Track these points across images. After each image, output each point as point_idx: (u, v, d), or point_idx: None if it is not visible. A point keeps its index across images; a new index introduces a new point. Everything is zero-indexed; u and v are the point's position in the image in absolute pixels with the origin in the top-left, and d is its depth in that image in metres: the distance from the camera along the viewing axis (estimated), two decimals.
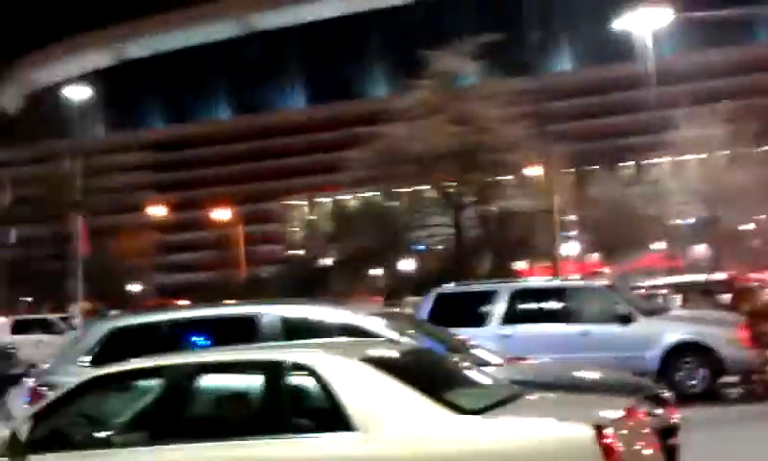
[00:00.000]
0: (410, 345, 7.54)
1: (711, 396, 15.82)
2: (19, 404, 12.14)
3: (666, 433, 8.11)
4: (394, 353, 6.84)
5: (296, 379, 6.30)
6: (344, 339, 7.99)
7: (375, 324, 9.22)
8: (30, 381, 10.12)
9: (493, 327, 16.39)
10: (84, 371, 8.56)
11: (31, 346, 28.25)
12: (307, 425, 6.15)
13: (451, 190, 43.91)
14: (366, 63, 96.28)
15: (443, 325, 12.86)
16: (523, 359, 11.00)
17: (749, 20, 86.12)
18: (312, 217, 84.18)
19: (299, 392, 6.31)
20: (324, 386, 6.13)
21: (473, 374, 7.35)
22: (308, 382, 6.25)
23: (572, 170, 56.04)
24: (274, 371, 6.35)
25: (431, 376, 6.66)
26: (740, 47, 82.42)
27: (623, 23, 50.01)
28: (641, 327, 16.12)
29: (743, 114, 54.14)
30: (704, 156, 55.61)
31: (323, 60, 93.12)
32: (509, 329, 16.27)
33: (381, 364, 6.36)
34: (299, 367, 6.31)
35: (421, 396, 6.03)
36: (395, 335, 8.52)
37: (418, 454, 5.78)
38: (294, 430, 6.10)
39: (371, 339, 8.16)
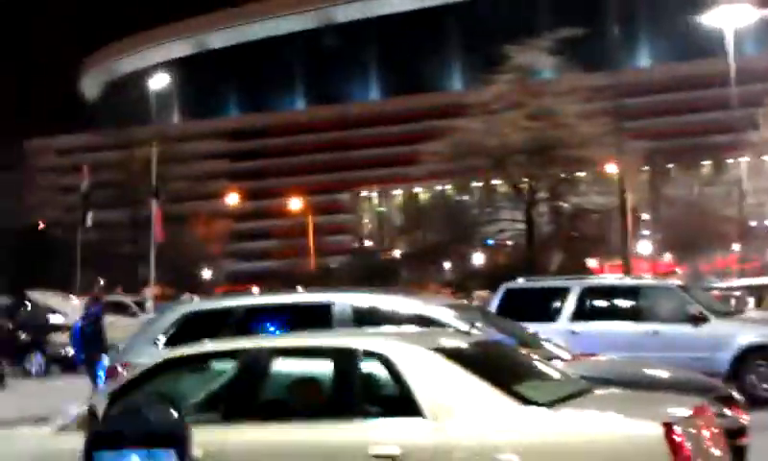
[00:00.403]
0: (480, 336, 7.59)
1: None
2: None
3: (735, 434, 8.07)
4: (464, 344, 6.91)
5: (368, 366, 6.41)
6: (415, 328, 8.09)
7: (446, 315, 9.30)
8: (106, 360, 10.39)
9: (563, 323, 16.31)
10: (159, 352, 8.79)
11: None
12: (378, 411, 6.26)
13: (524, 185, 43.69)
14: (442, 57, 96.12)
15: (511, 319, 12.89)
16: (593, 356, 10.98)
17: None
18: (383, 209, 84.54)
19: (370, 378, 6.42)
20: (396, 373, 6.23)
21: (543, 367, 7.39)
22: (380, 369, 6.35)
23: (648, 168, 55.32)
24: (347, 357, 6.47)
25: (500, 367, 6.72)
26: None
27: (705, 19, 49.31)
28: (713, 328, 15.92)
29: None
30: None
31: (399, 52, 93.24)
32: (578, 326, 16.19)
33: (451, 354, 6.44)
34: (371, 354, 6.42)
35: (490, 386, 6.10)
36: (465, 326, 8.59)
37: (485, 443, 5.84)
38: (364, 415, 6.21)
39: (441, 329, 8.24)
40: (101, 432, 5.18)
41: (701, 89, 77.57)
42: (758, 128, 54.01)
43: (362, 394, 6.38)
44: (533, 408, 6.00)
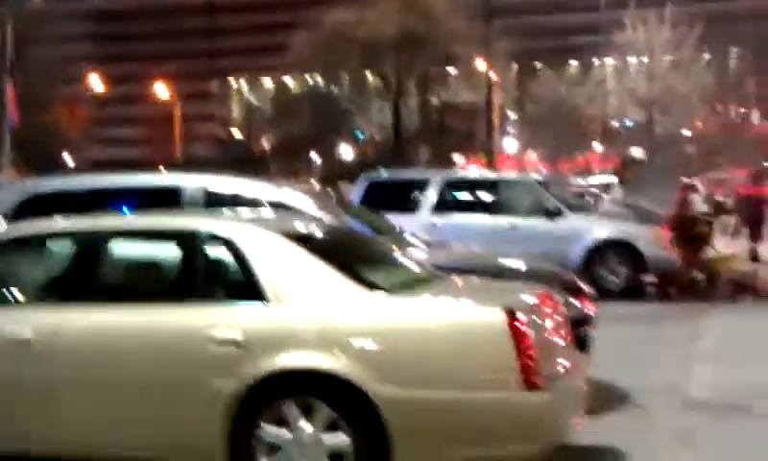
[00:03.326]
0: (332, 222, 7.51)
1: (633, 293, 16.15)
2: None
3: (580, 323, 8.25)
4: (313, 229, 6.81)
5: (212, 249, 6.25)
6: (265, 212, 7.92)
7: (302, 201, 9.16)
8: None
9: (424, 215, 16.45)
10: None
11: None
12: (221, 295, 6.14)
13: (393, 79, 43.63)
14: None
15: (373, 210, 12.87)
16: (448, 245, 11.05)
17: None
18: (252, 99, 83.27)
19: (214, 261, 6.26)
20: (240, 256, 6.10)
21: (395, 255, 7.37)
22: (224, 252, 6.20)
23: (516, 66, 55.94)
24: (190, 239, 6.31)
25: (349, 253, 6.65)
26: None
27: None
28: (568, 222, 16.33)
29: (689, 20, 54.38)
30: (646, 59, 55.89)
31: None
32: (439, 218, 16.35)
33: (298, 238, 6.34)
34: (215, 236, 6.26)
35: (337, 271, 6.03)
36: (319, 213, 8.48)
37: (326, 327, 5.79)
38: (206, 299, 6.09)
39: (291, 214, 8.11)
40: None
41: None
42: (624, 30, 55.13)
43: (204, 277, 6.23)
44: (378, 293, 5.97)
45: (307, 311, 5.87)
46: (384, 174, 18.34)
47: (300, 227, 6.73)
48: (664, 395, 8.87)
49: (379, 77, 44.96)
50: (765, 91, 69.33)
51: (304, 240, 6.36)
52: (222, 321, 5.92)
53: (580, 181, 31.82)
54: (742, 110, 68.25)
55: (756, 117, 69.48)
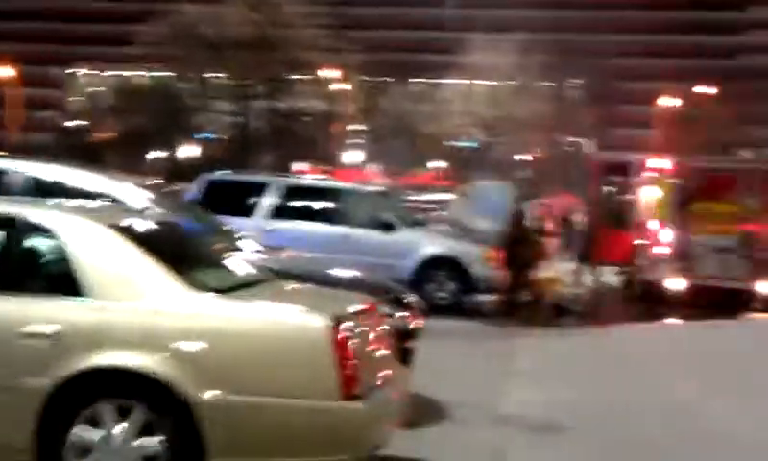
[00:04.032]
0: (163, 219, 7.37)
1: (460, 309, 16.48)
2: None
3: (404, 336, 8.39)
4: (143, 224, 6.65)
5: (32, 238, 6.04)
6: (93, 203, 7.71)
7: (134, 194, 8.99)
8: None
9: (260, 219, 16.37)
10: None
11: None
12: (37, 287, 5.94)
13: (242, 80, 43.30)
14: None
15: (211, 211, 12.74)
16: (281, 250, 11.06)
17: None
18: (96, 88, 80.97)
19: (31, 251, 6.06)
20: (61, 248, 5.91)
21: (225, 256, 7.34)
22: (45, 243, 6.02)
23: (365, 79, 56.38)
24: (6, 227, 6.04)
25: (176, 251, 6.54)
26: None
27: None
28: (402, 236, 16.56)
29: (533, 48, 56.12)
30: (490, 83, 57.35)
31: None
32: (275, 223, 16.30)
33: (126, 232, 6.18)
34: (35, 226, 6.04)
35: (162, 268, 5.92)
36: (151, 208, 8.35)
37: (147, 325, 5.68)
38: (22, 290, 5.87)
39: (119, 206, 7.95)
40: None
41: (420, 6, 79.51)
42: (470, 52, 56.44)
43: (21, 268, 6.00)
44: (204, 294, 5.91)
45: (129, 309, 5.74)
46: (223, 175, 18.16)
47: (129, 220, 6.54)
48: (480, 410, 9.11)
49: (227, 77, 44.45)
50: (599, 122, 72.18)
51: (132, 234, 6.20)
52: (36, 315, 5.72)
53: (417, 196, 32.34)
54: (577, 139, 70.74)
55: (588, 146, 72.11)
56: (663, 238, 18.47)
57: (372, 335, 6.36)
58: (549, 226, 22.54)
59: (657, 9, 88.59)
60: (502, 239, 17.13)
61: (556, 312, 17.44)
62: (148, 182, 10.14)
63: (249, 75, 43.33)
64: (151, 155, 60.89)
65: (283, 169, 36.41)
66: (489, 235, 17.04)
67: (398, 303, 9.20)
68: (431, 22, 71.02)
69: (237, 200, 16.52)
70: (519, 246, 17.37)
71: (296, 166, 49.98)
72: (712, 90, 70.57)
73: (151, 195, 9.31)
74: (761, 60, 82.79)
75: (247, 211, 16.34)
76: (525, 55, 56.06)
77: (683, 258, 18.44)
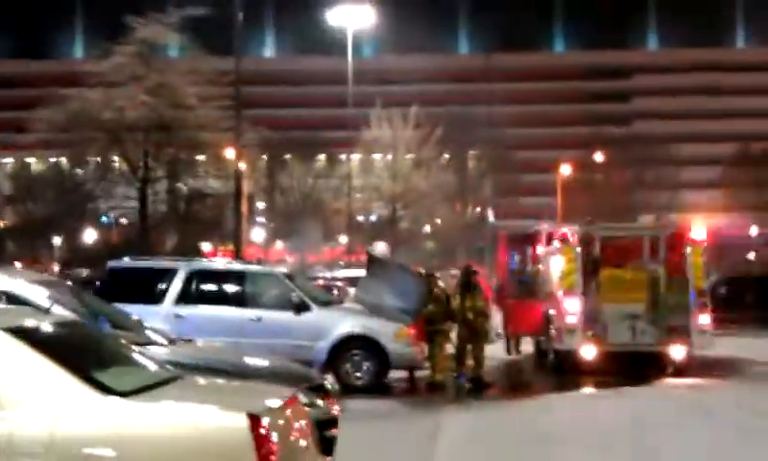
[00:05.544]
0: (64, 317, 7.00)
1: (378, 389, 16.13)
2: None
3: (325, 425, 8.10)
4: (43, 325, 6.30)
5: None
6: None
7: (34, 292, 8.64)
8: None
9: (167, 306, 15.91)
10: None
11: None
12: None
13: (140, 163, 42.65)
14: (64, 23, 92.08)
15: (115, 300, 12.32)
16: (192, 341, 10.69)
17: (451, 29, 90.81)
18: None
19: None
20: None
21: (132, 353, 6.97)
22: None
23: (266, 157, 56.25)
24: None
25: (81, 352, 6.20)
26: (439, 55, 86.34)
27: (329, 17, 50.96)
28: (314, 316, 16.20)
29: (431, 121, 56.96)
30: (390, 156, 57.91)
31: (15, 15, 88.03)
32: (183, 310, 15.86)
33: (25, 336, 5.83)
34: None
35: (66, 372, 5.59)
36: (52, 307, 7.94)
37: (55, 436, 5.33)
38: None
39: (20, 307, 7.54)
40: None
41: (320, 85, 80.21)
42: (370, 127, 57.01)
43: None
44: (112, 398, 5.57)
45: (34, 418, 5.39)
46: (127, 261, 17.63)
47: (28, 322, 6.20)
48: None
49: (125, 161, 43.73)
50: (498, 191, 73.38)
51: (31, 337, 5.86)
52: None
53: (327, 273, 32.10)
54: (478, 209, 71.69)
55: (491, 216, 73.15)
56: (572, 307, 18.45)
57: (294, 429, 6.12)
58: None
59: (550, 80, 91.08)
60: (418, 314, 16.91)
61: (473, 386, 17.18)
62: (47, 277, 9.73)
63: (147, 158, 42.67)
64: (51, 241, 59.61)
65: (187, 252, 35.79)
66: (401, 311, 16.75)
67: (317, 390, 8.94)
68: (331, 100, 71.49)
69: (143, 286, 16.02)
70: (434, 319, 17.23)
71: (201, 248, 49.45)
72: (605, 157, 72.48)
73: (51, 291, 8.91)
74: (651, 125, 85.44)
75: (154, 298, 15.86)
76: (423, 128, 56.81)
77: (593, 326, 18.46)
